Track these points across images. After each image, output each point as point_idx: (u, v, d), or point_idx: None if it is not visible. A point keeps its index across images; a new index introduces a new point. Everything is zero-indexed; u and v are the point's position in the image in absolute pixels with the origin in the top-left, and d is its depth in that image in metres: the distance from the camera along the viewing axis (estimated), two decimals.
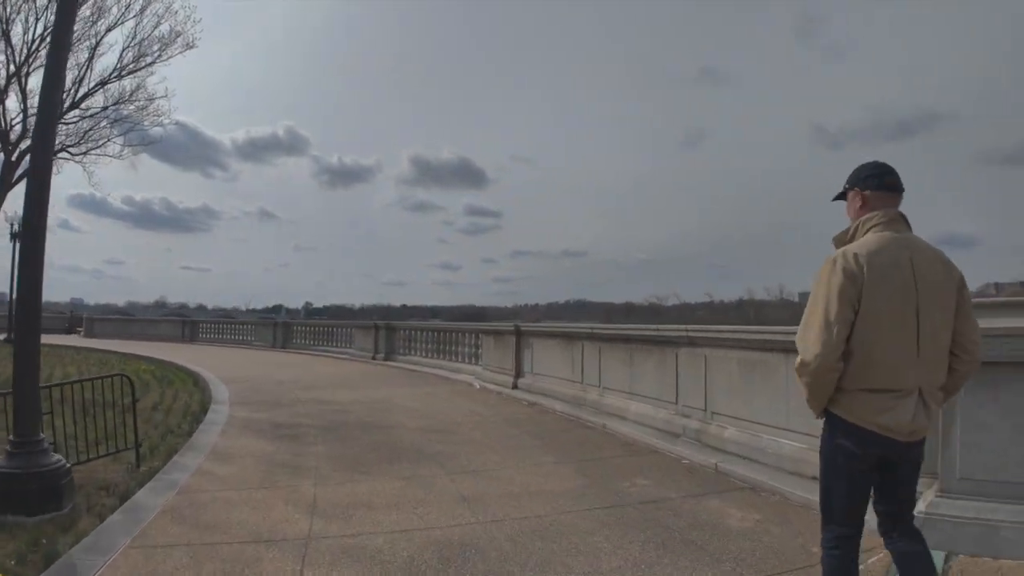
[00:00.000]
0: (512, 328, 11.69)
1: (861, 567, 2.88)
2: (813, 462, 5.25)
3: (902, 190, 2.48)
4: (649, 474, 5.65)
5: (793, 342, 2.50)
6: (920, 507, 4.04)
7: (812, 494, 4.91)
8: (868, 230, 2.43)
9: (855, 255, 2.31)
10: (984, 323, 4.07)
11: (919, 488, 4.46)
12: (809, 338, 2.33)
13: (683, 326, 7.27)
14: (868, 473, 2.42)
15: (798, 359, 2.39)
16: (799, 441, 5.53)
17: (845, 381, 2.33)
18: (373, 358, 18.44)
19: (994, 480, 3.92)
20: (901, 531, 2.49)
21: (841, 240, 2.51)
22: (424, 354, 16.67)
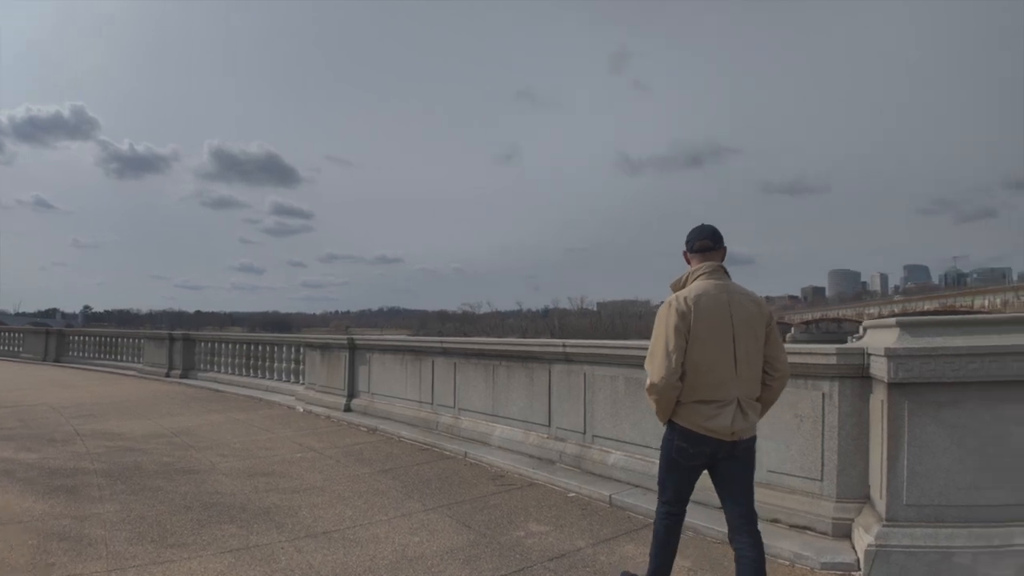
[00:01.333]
0: (344, 341, 10.24)
1: None
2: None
3: (714, 248, 3.09)
4: (540, 516, 4.78)
5: None
6: (869, 540, 3.64)
7: (726, 527, 4.41)
8: (696, 279, 3.03)
9: (684, 298, 2.92)
10: (930, 342, 3.80)
11: (852, 516, 4.16)
12: (655, 365, 2.90)
13: (560, 341, 6.56)
14: (698, 468, 3.04)
15: (648, 381, 2.94)
16: None
17: (681, 395, 2.90)
18: (167, 375, 15.65)
19: (944, 504, 3.65)
20: (746, 536, 2.95)
21: (676, 285, 3.10)
22: (231, 370, 14.39)
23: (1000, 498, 3.55)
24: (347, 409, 9.80)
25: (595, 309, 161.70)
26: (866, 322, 4.69)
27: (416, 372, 8.72)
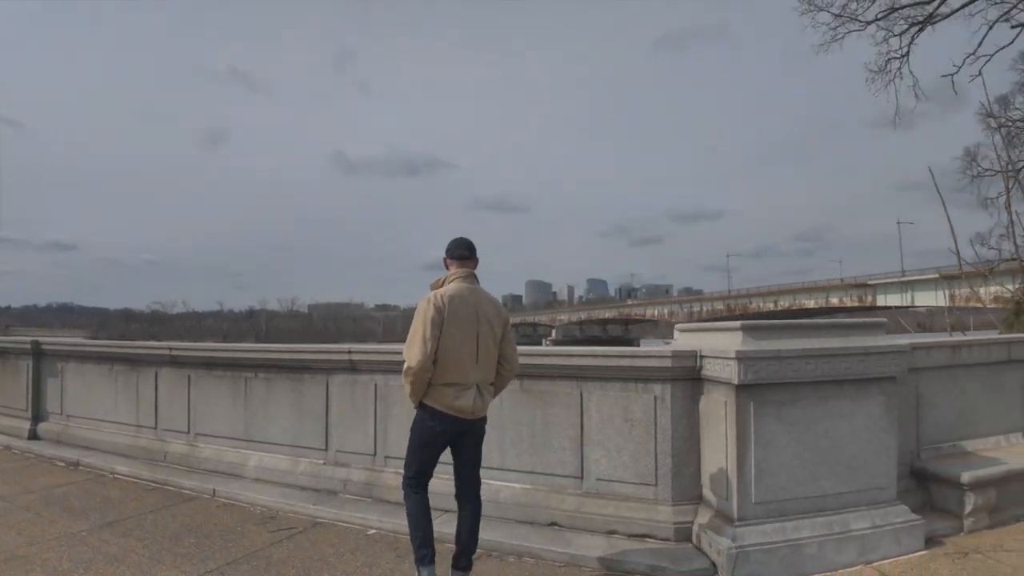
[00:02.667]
0: (27, 345, 7.67)
1: None
2: (550, 506, 4.37)
3: (469, 257, 3.58)
4: (348, 568, 3.85)
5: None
6: (726, 543, 3.56)
7: (569, 547, 3.98)
8: (451, 281, 3.47)
9: (441, 296, 3.35)
10: (773, 344, 3.83)
11: (691, 518, 4.03)
12: (413, 350, 3.25)
13: (344, 347, 5.57)
14: (444, 443, 3.43)
15: (405, 365, 3.27)
16: (521, 480, 4.60)
17: (433, 378, 3.28)
18: None
19: (788, 498, 3.76)
20: (473, 500, 3.52)
21: (435, 285, 3.50)
22: None
23: (834, 487, 3.80)
24: (33, 436, 7.41)
25: (306, 311, 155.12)
26: (680, 325, 4.72)
27: (132, 387, 6.84)
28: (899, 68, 18.54)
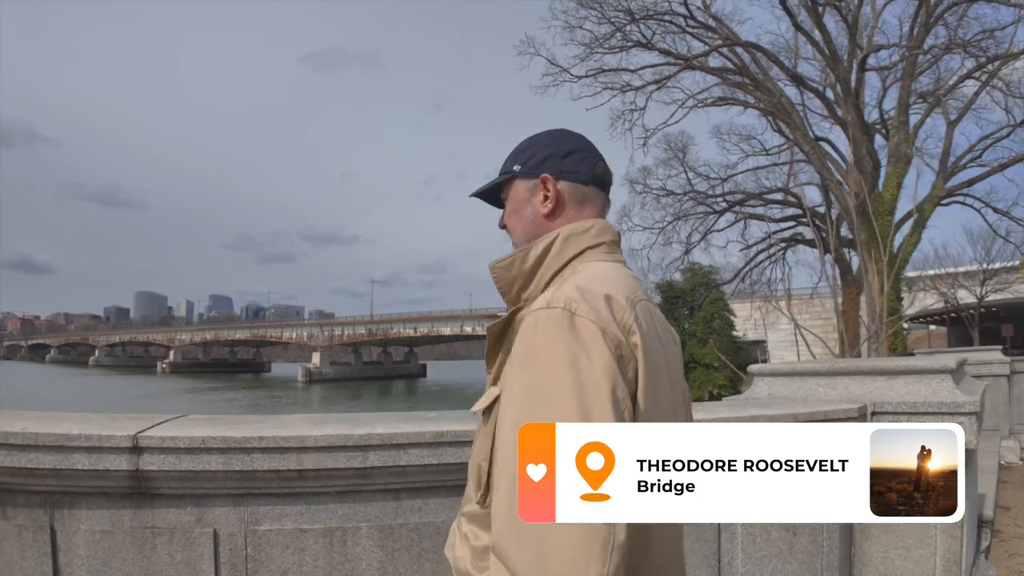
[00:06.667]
0: None
1: None
2: None
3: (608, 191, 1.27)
4: None
5: None
6: None
7: None
8: (591, 256, 1.12)
9: (607, 302, 0.98)
10: None
11: None
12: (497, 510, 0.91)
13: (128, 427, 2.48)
14: None
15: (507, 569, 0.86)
16: None
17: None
18: None
19: None
20: None
21: (520, 274, 1.11)
22: None
23: None
24: None
25: None
26: (756, 368, 3.27)
27: None
28: (634, 120, 20.79)
